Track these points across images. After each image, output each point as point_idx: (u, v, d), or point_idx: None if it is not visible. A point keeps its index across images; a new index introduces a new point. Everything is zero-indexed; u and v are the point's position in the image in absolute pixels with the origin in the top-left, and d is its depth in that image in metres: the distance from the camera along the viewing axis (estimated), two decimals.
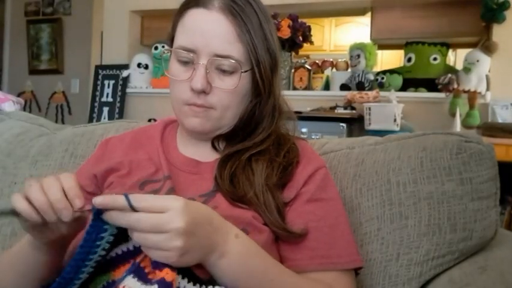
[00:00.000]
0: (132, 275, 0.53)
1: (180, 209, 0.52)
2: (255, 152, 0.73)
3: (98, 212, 0.52)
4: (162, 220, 0.51)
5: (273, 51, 0.74)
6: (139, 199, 0.52)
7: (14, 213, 0.54)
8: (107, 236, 0.53)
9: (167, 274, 0.51)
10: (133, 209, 0.50)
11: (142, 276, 0.53)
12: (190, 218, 0.53)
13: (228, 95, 0.72)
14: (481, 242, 0.79)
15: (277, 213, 0.68)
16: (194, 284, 0.57)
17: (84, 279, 0.56)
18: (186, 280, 0.56)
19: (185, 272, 0.56)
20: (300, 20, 2.78)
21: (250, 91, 0.74)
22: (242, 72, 0.71)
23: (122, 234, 0.55)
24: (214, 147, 0.78)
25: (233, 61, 0.70)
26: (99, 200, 0.51)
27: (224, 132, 0.77)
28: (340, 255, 0.70)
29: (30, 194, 0.54)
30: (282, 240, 0.69)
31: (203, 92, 0.71)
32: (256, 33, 0.71)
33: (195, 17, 0.71)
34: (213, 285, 0.57)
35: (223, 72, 0.71)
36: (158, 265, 0.52)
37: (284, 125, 0.80)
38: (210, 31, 0.69)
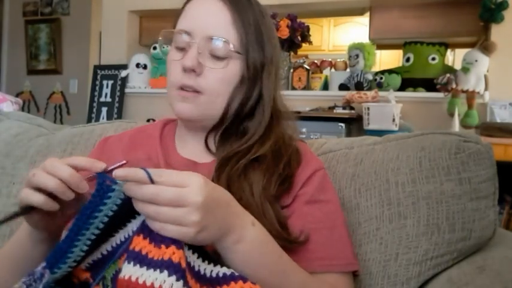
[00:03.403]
0: (127, 262, 0.49)
1: (199, 184, 0.52)
2: (252, 159, 0.72)
3: (102, 187, 0.51)
4: (181, 193, 0.51)
5: (266, 50, 0.75)
6: (159, 173, 0.52)
7: (21, 212, 0.53)
8: (100, 215, 0.52)
9: (174, 254, 0.49)
10: (152, 183, 0.51)
11: (142, 260, 0.49)
12: (209, 195, 0.53)
13: (218, 79, 0.72)
14: (479, 242, 0.79)
15: (278, 225, 0.67)
16: (203, 261, 0.55)
17: (78, 255, 0.55)
18: (196, 255, 0.54)
19: (196, 248, 0.54)
20: (298, 20, 2.78)
21: (238, 80, 0.74)
22: (233, 51, 0.72)
23: (120, 219, 0.55)
24: (207, 146, 0.77)
25: (225, 42, 0.71)
26: (120, 172, 0.51)
27: (215, 123, 0.76)
28: (338, 257, 0.70)
29: (39, 181, 0.53)
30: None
31: (193, 72, 0.71)
32: (250, 25, 0.74)
33: (194, 4, 0.75)
34: (221, 266, 0.55)
35: (216, 57, 0.72)
36: (163, 240, 0.50)
37: (286, 130, 0.79)
38: (205, 14, 0.73)
